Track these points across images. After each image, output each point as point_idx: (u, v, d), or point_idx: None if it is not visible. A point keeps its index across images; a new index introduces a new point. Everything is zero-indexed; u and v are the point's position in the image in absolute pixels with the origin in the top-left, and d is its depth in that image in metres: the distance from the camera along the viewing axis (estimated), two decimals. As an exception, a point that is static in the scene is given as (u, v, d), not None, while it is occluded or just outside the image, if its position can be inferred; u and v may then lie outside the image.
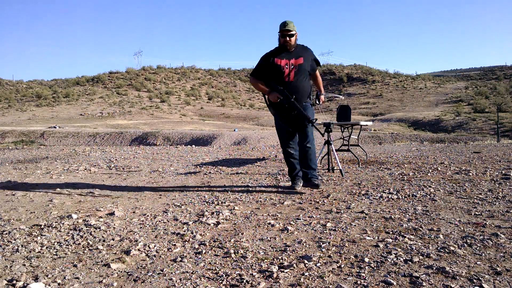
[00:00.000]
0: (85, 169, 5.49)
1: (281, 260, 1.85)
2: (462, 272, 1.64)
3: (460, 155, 6.63)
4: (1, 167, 5.92)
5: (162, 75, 71.30)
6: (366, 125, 5.67)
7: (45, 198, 3.46)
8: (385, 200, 3.13)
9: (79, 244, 2.17)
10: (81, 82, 65.32)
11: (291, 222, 2.51)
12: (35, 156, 7.72)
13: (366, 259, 1.83)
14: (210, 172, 5.05)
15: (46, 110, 44.99)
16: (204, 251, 2.00)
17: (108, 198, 3.45)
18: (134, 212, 2.91)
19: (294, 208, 2.93)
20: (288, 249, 2.00)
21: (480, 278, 1.58)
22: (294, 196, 3.41)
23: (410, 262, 1.78)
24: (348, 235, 2.22)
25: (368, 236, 2.19)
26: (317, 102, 3.77)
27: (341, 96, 5.52)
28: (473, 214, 2.61)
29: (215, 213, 2.80)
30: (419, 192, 3.36)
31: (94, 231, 2.40)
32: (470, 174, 4.33)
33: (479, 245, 1.98)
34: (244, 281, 1.62)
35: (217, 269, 1.76)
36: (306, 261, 1.82)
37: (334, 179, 4.29)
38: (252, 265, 1.81)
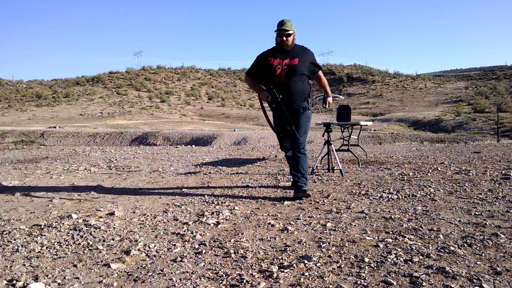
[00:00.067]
0: (85, 169, 5.49)
1: (281, 260, 1.85)
2: (462, 272, 1.64)
3: (460, 155, 6.63)
4: (1, 167, 5.92)
5: (162, 75, 71.31)
6: (366, 125, 5.67)
7: (45, 198, 3.46)
8: (385, 200, 3.13)
9: (79, 244, 2.17)
10: (81, 82, 65.33)
11: (291, 222, 2.51)
12: (35, 156, 7.72)
13: (366, 259, 1.83)
14: (210, 172, 5.05)
15: (46, 110, 44.99)
16: (204, 251, 2.00)
17: (108, 198, 3.45)
18: (134, 212, 2.91)
19: (294, 208, 2.93)
20: (288, 249, 2.00)
21: (480, 278, 1.58)
22: (294, 196, 3.40)
23: (410, 262, 1.78)
24: (348, 235, 2.22)
25: (368, 236, 2.19)
26: (324, 105, 3.63)
27: (341, 96, 5.50)
28: (473, 214, 2.61)
29: (215, 213, 2.80)
30: (419, 192, 3.36)
31: (94, 231, 2.40)
32: (470, 174, 4.33)
33: (479, 245, 1.98)
34: (244, 281, 1.62)
35: (217, 269, 1.76)
36: (306, 261, 1.82)
37: (334, 179, 4.29)
38: (252, 265, 1.81)
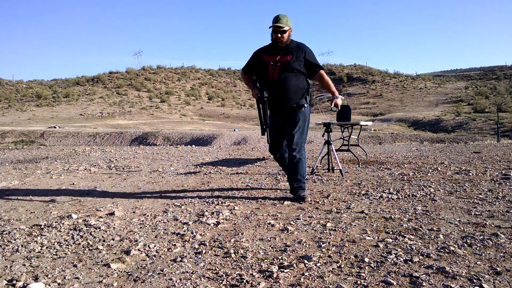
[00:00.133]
0: (85, 169, 5.49)
1: (281, 260, 1.85)
2: (462, 272, 1.64)
3: (460, 155, 6.63)
4: (1, 167, 5.92)
5: (162, 75, 71.30)
6: (366, 125, 5.67)
7: (45, 198, 3.46)
8: (385, 200, 3.13)
9: (79, 244, 2.17)
10: (81, 82, 65.31)
11: (291, 222, 2.51)
12: (35, 156, 7.72)
13: (366, 259, 1.83)
14: (210, 172, 5.05)
15: (46, 110, 44.99)
16: (204, 251, 2.00)
17: (108, 198, 3.45)
18: (134, 212, 2.91)
19: (294, 208, 2.93)
20: (288, 249, 2.00)
21: (480, 278, 1.58)
22: (294, 196, 3.40)
23: (410, 262, 1.78)
24: (348, 235, 2.22)
25: (368, 236, 2.19)
26: (333, 108, 3.42)
27: (341, 96, 5.48)
28: (473, 214, 2.61)
29: (215, 213, 2.80)
30: (419, 192, 3.36)
31: (94, 231, 2.40)
32: (470, 174, 4.33)
33: (479, 245, 1.98)
34: (244, 281, 1.62)
35: (217, 269, 1.76)
36: (306, 261, 1.82)
37: (334, 179, 4.29)
38: (252, 265, 1.81)
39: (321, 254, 1.91)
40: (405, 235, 2.16)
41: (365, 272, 1.69)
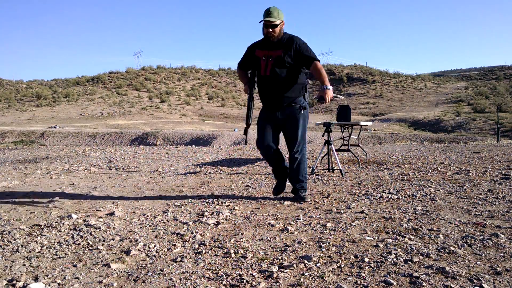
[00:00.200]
0: (85, 169, 5.49)
1: (281, 260, 1.85)
2: (462, 272, 1.64)
3: (460, 155, 6.63)
4: (1, 167, 5.92)
5: (162, 75, 71.32)
6: (366, 125, 5.67)
7: (45, 198, 3.46)
8: (385, 200, 3.13)
9: (79, 244, 2.17)
10: (81, 82, 65.32)
11: (291, 222, 2.51)
12: (35, 156, 7.72)
13: (366, 259, 1.83)
14: (210, 172, 5.05)
15: (46, 110, 45.00)
16: (204, 251, 2.00)
17: (108, 198, 3.45)
18: (134, 212, 2.91)
19: (294, 208, 2.93)
20: (288, 249, 2.00)
21: (480, 278, 1.58)
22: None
23: (410, 262, 1.78)
24: (348, 235, 2.22)
25: (368, 236, 2.19)
26: (319, 101, 3.01)
27: (341, 96, 5.49)
28: (473, 214, 2.61)
29: (215, 213, 2.80)
30: (419, 192, 3.36)
31: (94, 231, 2.40)
32: (470, 174, 4.33)
33: (479, 245, 1.98)
34: (244, 281, 1.62)
35: (217, 269, 1.76)
36: (306, 261, 1.82)
37: (334, 179, 4.29)
38: (252, 265, 1.81)
39: (321, 254, 1.91)
40: (405, 235, 2.16)
41: (365, 272, 1.69)
